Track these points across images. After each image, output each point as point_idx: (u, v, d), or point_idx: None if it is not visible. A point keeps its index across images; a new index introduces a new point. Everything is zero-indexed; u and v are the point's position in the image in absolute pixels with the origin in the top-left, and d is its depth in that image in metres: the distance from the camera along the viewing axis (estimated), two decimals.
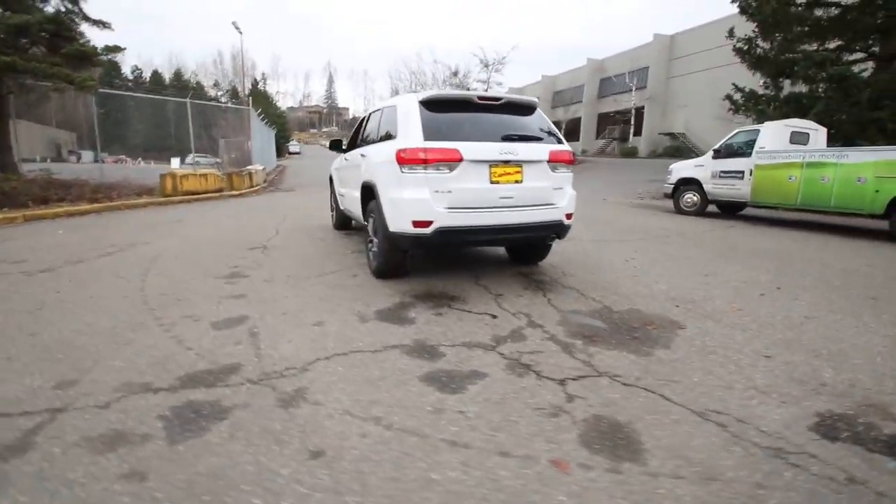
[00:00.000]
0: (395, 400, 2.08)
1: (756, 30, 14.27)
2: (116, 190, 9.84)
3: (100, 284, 3.86)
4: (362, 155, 4.33)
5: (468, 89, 28.68)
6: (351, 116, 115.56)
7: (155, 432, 1.80)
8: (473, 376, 2.33)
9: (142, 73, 58.24)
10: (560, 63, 60.68)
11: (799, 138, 8.44)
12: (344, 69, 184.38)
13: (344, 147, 5.73)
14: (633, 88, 31.81)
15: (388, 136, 3.87)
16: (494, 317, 3.20)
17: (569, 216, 3.82)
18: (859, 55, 12.90)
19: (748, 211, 9.74)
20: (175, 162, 18.76)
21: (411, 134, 3.44)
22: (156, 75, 58.71)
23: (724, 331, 3.02)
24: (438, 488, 1.52)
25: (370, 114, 4.91)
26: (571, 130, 39.12)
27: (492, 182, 3.44)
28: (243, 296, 3.57)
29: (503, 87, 29.41)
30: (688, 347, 2.74)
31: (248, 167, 15.39)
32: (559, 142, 3.84)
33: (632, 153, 31.93)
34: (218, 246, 5.52)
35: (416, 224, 3.37)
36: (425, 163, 3.29)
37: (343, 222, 6.43)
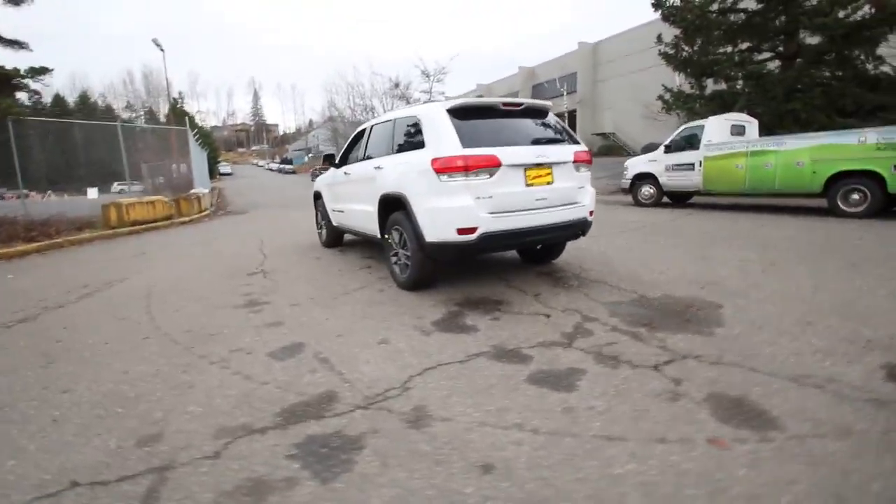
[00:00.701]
0: (521, 405, 2.06)
1: (679, 35, 15.61)
2: (53, 226, 8.81)
3: (105, 328, 3.46)
4: (377, 167, 4.24)
5: (409, 101, 28.90)
6: (281, 133, 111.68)
7: (296, 474, 1.67)
8: (573, 374, 2.37)
9: (41, 97, 52.60)
10: (493, 72, 62.91)
11: (738, 130, 9.39)
12: (269, 85, 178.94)
13: (336, 162, 5.57)
14: (565, 93, 33.58)
15: (411, 146, 3.84)
16: (548, 316, 3.26)
17: (591, 213, 3.98)
18: (767, 54, 14.52)
19: (696, 199, 10.63)
20: (92, 192, 17.07)
21: (445, 142, 3.44)
22: (58, 100, 53.31)
23: (757, 305, 3.29)
24: (629, 481, 1.54)
25: (372, 126, 4.82)
26: None
27: (527, 185, 3.52)
28: (280, 323, 3.36)
29: (444, 96, 29.89)
30: (739, 323, 2.96)
31: (194, 191, 14.40)
32: (575, 142, 4.00)
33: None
34: (209, 275, 5.13)
35: (461, 231, 3.36)
36: (466, 170, 3.30)
37: (335, 239, 6.23)
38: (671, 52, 15.91)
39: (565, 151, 3.74)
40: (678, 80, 25.26)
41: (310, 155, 62.41)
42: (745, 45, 14.71)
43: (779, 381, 2.18)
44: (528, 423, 1.92)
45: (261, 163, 72.10)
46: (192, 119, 24.15)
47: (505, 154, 3.39)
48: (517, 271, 4.54)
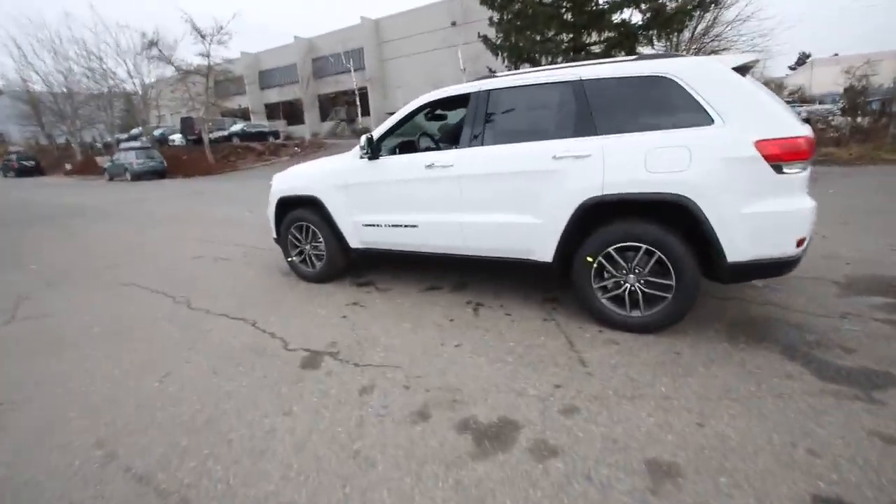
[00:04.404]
0: None
1: (496, 20, 16.56)
2: None
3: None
4: (566, 156, 2.71)
5: (176, 66, 22.35)
6: None
7: None
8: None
9: None
10: (261, 40, 54.49)
11: None
12: None
13: (372, 147, 3.49)
14: (352, 69, 32.09)
15: (655, 121, 2.56)
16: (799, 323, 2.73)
17: None
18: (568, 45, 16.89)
19: None
20: None
21: (769, 114, 2.38)
22: None
23: None
24: None
25: (489, 91, 3.08)
26: (291, 114, 36.62)
27: None
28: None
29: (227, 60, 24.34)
30: None
31: None
32: None
33: (365, 132, 32.59)
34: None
35: (801, 242, 2.43)
36: (807, 157, 2.35)
37: (341, 266, 4.05)
38: (495, 38, 16.72)
39: None
40: (462, 64, 27.48)
41: None
42: (551, 34, 16.73)
43: None
44: None
45: None
46: None
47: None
48: None
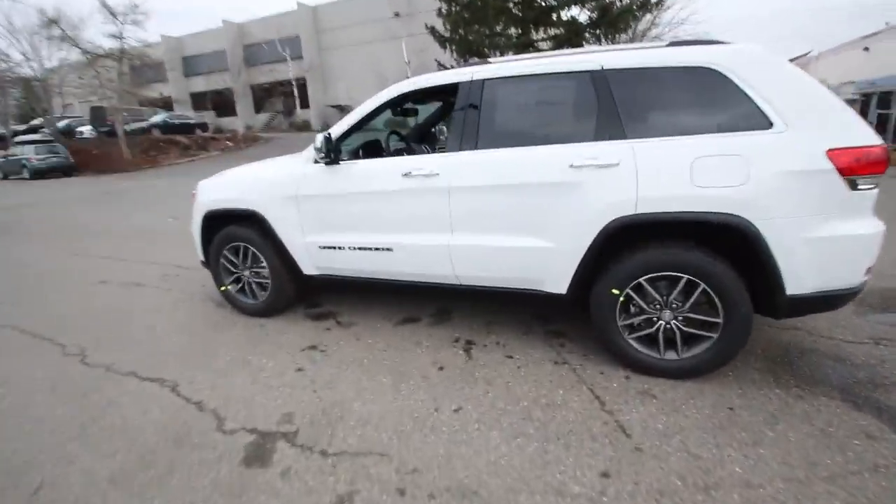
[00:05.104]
0: None
1: (444, 12, 15.95)
2: None
3: None
4: (588, 164, 2.15)
5: (83, 49, 19.61)
6: None
7: None
8: None
9: None
10: (184, 23, 49.70)
11: None
12: None
13: (330, 149, 2.73)
14: (289, 58, 30.10)
15: (699, 122, 2.06)
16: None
17: None
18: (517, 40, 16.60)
19: None
20: None
21: (838, 119, 1.95)
22: None
23: None
24: None
25: (483, 81, 2.42)
26: (221, 104, 33.84)
27: None
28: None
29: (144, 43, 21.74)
30: None
31: None
32: None
33: (305, 126, 30.88)
34: None
35: (868, 271, 2.04)
36: (883, 170, 1.94)
37: (293, 296, 3.27)
38: (443, 30, 16.11)
39: None
40: (406, 57, 26.64)
41: None
42: (499, 28, 16.35)
43: None
44: None
45: None
46: None
47: None
48: None
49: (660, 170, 2.06)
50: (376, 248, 2.74)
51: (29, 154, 18.59)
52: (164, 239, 6.05)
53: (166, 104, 33.36)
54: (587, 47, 2.47)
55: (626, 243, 2.22)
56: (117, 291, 4.13)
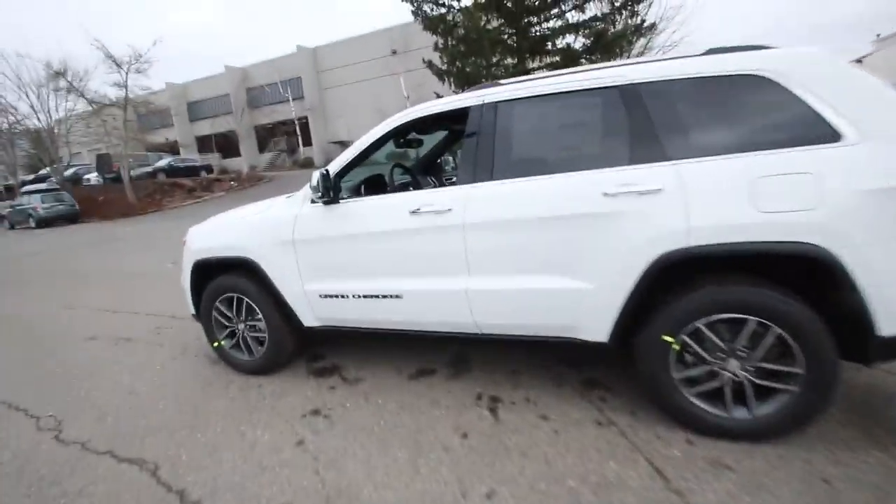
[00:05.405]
0: None
1: (441, 45, 16.20)
2: None
3: None
4: (626, 191, 1.84)
5: (89, 99, 20.05)
6: None
7: None
8: None
9: None
10: (186, 69, 51.39)
11: None
12: None
13: (327, 187, 2.45)
14: (291, 99, 30.75)
15: (760, 138, 1.76)
16: None
17: None
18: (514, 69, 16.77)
19: None
20: None
21: None
22: None
23: None
24: None
25: (496, 104, 2.16)
26: (225, 146, 34.43)
27: None
28: None
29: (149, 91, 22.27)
30: None
31: None
32: None
33: (308, 164, 31.20)
34: None
35: None
36: None
37: (286, 355, 2.94)
38: (441, 64, 16.31)
39: None
40: (405, 92, 27.11)
41: None
42: (495, 59, 16.53)
43: None
44: None
45: None
46: None
47: None
48: None
49: (714, 194, 1.76)
50: (383, 296, 2.43)
51: (35, 203, 18.71)
52: (162, 285, 5.77)
53: (172, 149, 34.04)
54: (612, 62, 2.19)
55: (677, 281, 1.89)
56: (105, 349, 3.81)
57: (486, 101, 2.21)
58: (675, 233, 1.79)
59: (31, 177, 28.75)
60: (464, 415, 2.32)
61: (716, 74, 1.85)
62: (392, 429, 2.26)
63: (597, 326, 2.04)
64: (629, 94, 1.94)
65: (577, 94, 2.05)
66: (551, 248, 2.02)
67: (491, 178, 2.14)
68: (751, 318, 1.78)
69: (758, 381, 1.85)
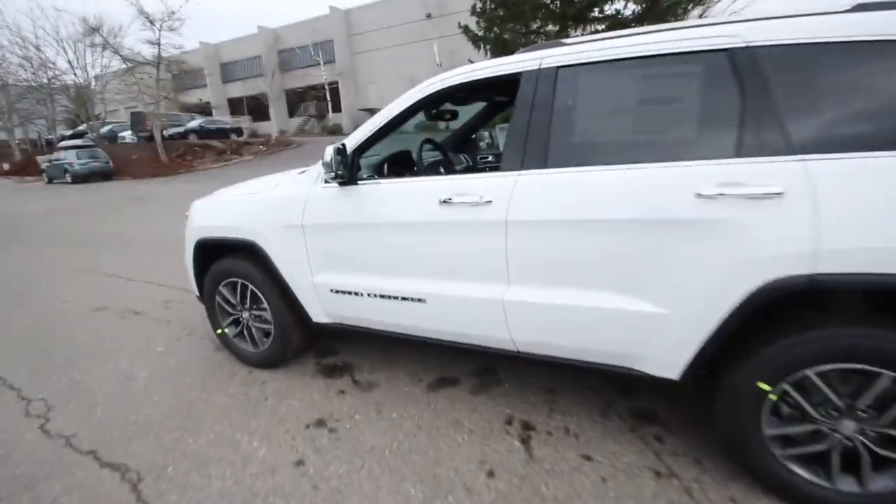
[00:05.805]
0: None
1: (479, 10, 15.30)
2: None
3: None
4: (708, 195, 1.40)
5: (123, 56, 20.06)
6: None
7: None
8: None
9: None
10: (219, 29, 51.26)
11: None
12: None
13: (343, 166, 2.05)
14: (322, 63, 30.13)
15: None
16: None
17: None
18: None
19: None
20: None
21: None
22: None
23: None
24: None
25: (557, 69, 1.69)
26: (256, 109, 34.33)
27: None
28: None
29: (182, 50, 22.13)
30: None
31: None
32: None
33: (336, 130, 30.85)
34: None
35: None
36: None
37: (293, 349, 2.64)
38: (477, 29, 15.45)
39: None
40: (438, 59, 26.09)
41: None
42: (536, 25, 15.50)
43: None
44: None
45: None
46: None
47: None
48: None
49: (859, 205, 1.28)
50: (403, 298, 2.06)
51: (71, 159, 19.08)
52: (179, 252, 5.58)
53: (205, 109, 34.19)
54: (714, 20, 1.66)
55: (785, 315, 1.45)
56: (111, 323, 3.62)
57: (543, 66, 1.74)
58: (798, 254, 1.33)
59: (70, 132, 29.43)
60: (490, 442, 1.97)
61: (869, 39, 1.34)
62: (407, 454, 1.93)
63: (667, 360, 1.62)
64: (744, 61, 1.44)
65: (669, 60, 1.55)
66: (617, 259, 1.59)
67: (545, 165, 1.70)
68: (886, 371, 1.33)
69: (878, 450, 1.41)
